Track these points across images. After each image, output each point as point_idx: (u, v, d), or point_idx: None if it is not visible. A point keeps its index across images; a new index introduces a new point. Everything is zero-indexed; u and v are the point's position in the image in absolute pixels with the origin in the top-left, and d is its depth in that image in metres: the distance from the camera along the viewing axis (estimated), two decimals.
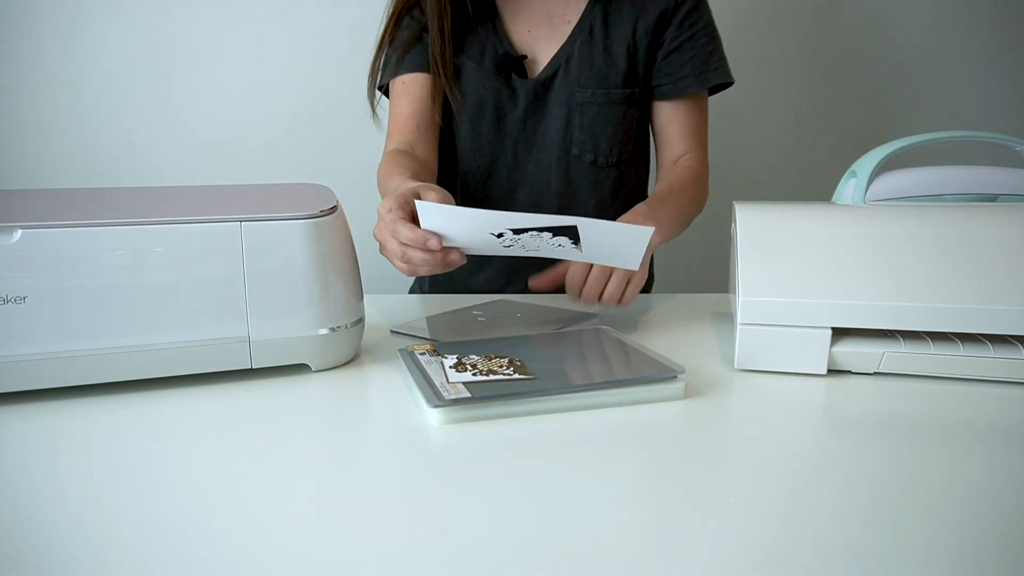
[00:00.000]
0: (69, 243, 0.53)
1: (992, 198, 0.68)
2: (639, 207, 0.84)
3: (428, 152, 0.97)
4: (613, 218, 1.00)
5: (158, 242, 0.55)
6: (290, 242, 0.58)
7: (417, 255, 0.64)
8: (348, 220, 0.64)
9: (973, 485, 0.42)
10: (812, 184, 1.50)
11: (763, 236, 0.63)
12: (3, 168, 1.48)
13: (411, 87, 0.97)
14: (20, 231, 0.52)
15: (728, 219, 0.70)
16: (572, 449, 0.47)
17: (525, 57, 0.97)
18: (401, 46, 0.97)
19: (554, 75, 0.96)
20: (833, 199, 0.75)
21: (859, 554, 0.35)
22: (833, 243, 0.62)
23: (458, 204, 1.05)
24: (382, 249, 0.68)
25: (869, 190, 0.69)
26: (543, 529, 0.37)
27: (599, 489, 0.41)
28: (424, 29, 0.96)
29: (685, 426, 0.51)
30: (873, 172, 0.70)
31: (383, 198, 0.95)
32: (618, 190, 1.01)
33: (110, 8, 1.42)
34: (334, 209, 0.61)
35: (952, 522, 0.38)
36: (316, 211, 0.59)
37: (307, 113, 1.47)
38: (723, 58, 0.99)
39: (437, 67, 0.95)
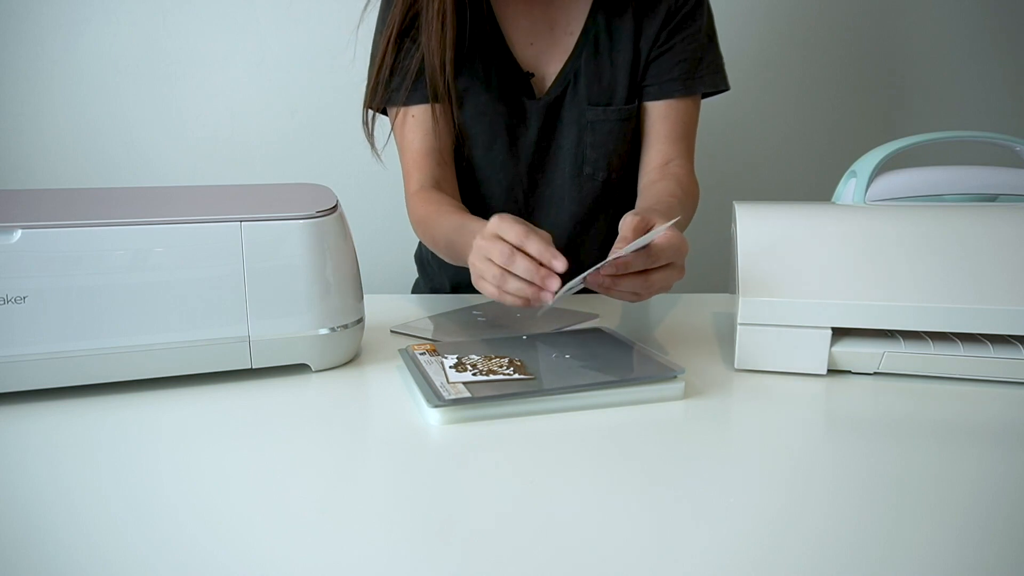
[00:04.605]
0: (69, 243, 0.53)
1: (992, 198, 0.68)
2: (661, 214, 0.74)
3: (453, 187, 0.94)
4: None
5: (158, 242, 0.55)
6: (290, 242, 0.58)
7: (524, 265, 0.61)
8: (348, 220, 0.64)
9: (973, 484, 0.42)
10: (812, 184, 1.50)
11: (763, 236, 0.63)
12: (3, 168, 1.48)
13: (423, 120, 0.92)
14: (20, 231, 0.52)
15: (728, 219, 0.70)
16: (572, 449, 0.47)
17: (532, 75, 0.93)
18: (405, 74, 0.91)
19: (563, 93, 0.93)
20: (833, 199, 0.75)
21: (859, 553, 0.35)
22: (833, 243, 0.62)
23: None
24: (483, 278, 0.65)
25: (869, 190, 0.69)
26: (543, 529, 0.37)
27: (599, 489, 0.41)
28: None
29: (685, 426, 0.51)
30: (873, 172, 0.70)
31: (431, 240, 0.90)
32: (630, 205, 0.97)
33: (110, 8, 1.42)
34: (334, 209, 0.61)
35: (952, 521, 0.38)
36: (316, 211, 0.59)
37: (307, 113, 1.47)
38: (716, 64, 0.95)
39: (444, 96, 0.90)
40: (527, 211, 0.98)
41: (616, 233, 0.98)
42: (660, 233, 0.60)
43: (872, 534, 0.36)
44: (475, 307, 0.84)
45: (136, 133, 1.47)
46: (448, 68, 0.89)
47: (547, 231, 0.97)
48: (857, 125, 1.50)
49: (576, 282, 0.61)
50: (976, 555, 0.35)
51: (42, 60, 1.44)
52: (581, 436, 0.49)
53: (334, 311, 0.61)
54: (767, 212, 0.65)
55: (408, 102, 0.92)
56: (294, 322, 0.59)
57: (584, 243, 0.99)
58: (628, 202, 0.98)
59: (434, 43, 0.88)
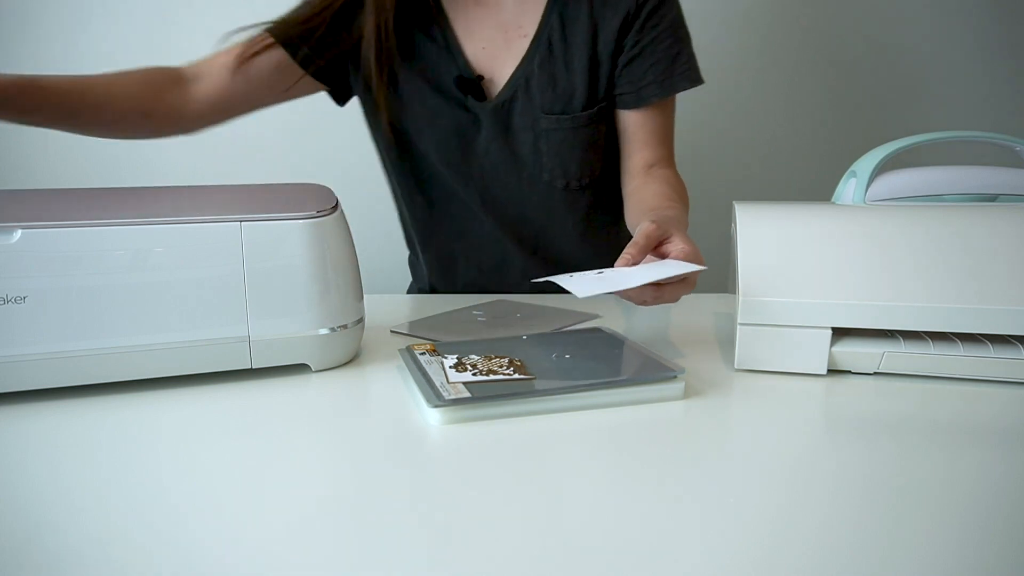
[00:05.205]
0: (69, 243, 0.53)
1: (992, 198, 0.68)
2: (678, 224, 0.74)
3: (202, 97, 0.90)
4: (591, 236, 1.00)
5: (158, 242, 0.55)
6: (290, 242, 0.58)
7: None
8: (348, 220, 0.64)
9: (973, 485, 0.42)
10: (812, 184, 1.50)
11: (763, 236, 0.63)
12: (3, 168, 1.48)
13: (270, 66, 0.90)
14: (20, 231, 0.52)
15: (728, 219, 0.70)
16: (572, 449, 0.47)
17: (482, 78, 0.90)
18: (331, 43, 0.90)
19: (513, 97, 0.90)
20: (833, 199, 0.75)
21: (859, 553, 0.35)
22: (833, 243, 0.61)
23: (429, 234, 1.04)
24: None
25: (869, 190, 0.69)
26: (543, 529, 0.37)
27: (598, 489, 0.41)
28: (355, 44, 0.90)
29: (685, 426, 0.51)
30: (873, 172, 0.70)
31: None
32: (595, 208, 0.98)
33: (110, 8, 1.42)
34: (334, 209, 0.61)
35: (952, 522, 0.38)
36: (316, 211, 0.59)
37: (307, 113, 1.47)
38: (690, 59, 0.91)
39: (377, 87, 0.91)
40: (484, 212, 0.97)
41: (587, 237, 0.99)
42: (690, 271, 0.61)
43: (872, 534, 0.36)
44: (475, 307, 0.84)
45: None
46: (382, 61, 0.89)
47: (510, 232, 0.98)
48: (857, 125, 1.50)
49: (601, 287, 0.59)
50: (976, 555, 0.35)
51: (42, 60, 1.44)
52: (581, 436, 0.49)
53: (334, 311, 0.61)
54: (767, 212, 0.65)
55: (297, 58, 0.91)
56: (294, 322, 0.59)
57: (553, 243, 0.99)
58: (598, 205, 0.98)
59: (370, 33, 0.88)
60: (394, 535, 0.36)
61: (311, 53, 0.91)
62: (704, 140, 1.50)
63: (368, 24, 0.88)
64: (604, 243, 1.01)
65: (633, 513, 0.38)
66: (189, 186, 0.64)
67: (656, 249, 0.66)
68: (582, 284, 0.59)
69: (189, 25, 1.43)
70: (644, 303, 0.64)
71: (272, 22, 0.91)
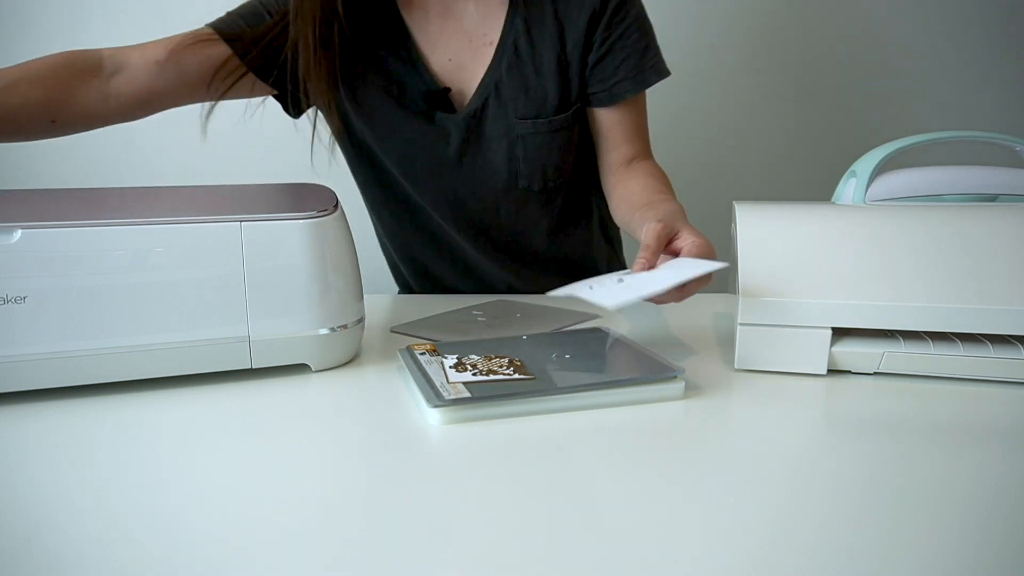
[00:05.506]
0: (69, 243, 0.53)
1: (992, 198, 0.68)
2: (682, 216, 0.74)
3: (126, 92, 0.85)
4: (563, 235, 1.00)
5: (158, 242, 0.55)
6: (290, 242, 0.58)
7: None
8: (348, 220, 0.64)
9: (973, 485, 0.42)
10: (812, 184, 1.50)
11: (763, 236, 0.63)
12: (3, 168, 1.48)
13: (223, 67, 0.87)
14: (20, 231, 0.52)
15: (728, 219, 0.70)
16: (572, 449, 0.47)
17: (449, 90, 0.89)
18: (282, 56, 0.86)
19: (484, 105, 0.88)
20: (833, 199, 0.75)
21: (859, 553, 0.35)
22: (833, 243, 0.62)
23: (401, 243, 1.04)
24: None
25: (869, 190, 0.69)
26: (543, 529, 0.37)
27: (599, 489, 0.41)
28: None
29: (685, 426, 0.51)
30: (873, 172, 0.70)
31: None
32: (567, 206, 0.97)
33: (110, 8, 1.42)
34: (334, 209, 0.61)
35: (952, 522, 0.38)
36: (316, 211, 0.59)
37: (307, 113, 1.47)
38: (657, 52, 0.90)
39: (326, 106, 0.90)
40: (455, 222, 0.96)
41: (559, 235, 1.00)
42: (712, 269, 0.61)
43: (872, 534, 0.36)
44: (475, 307, 0.84)
45: (136, 133, 1.47)
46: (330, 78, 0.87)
47: (483, 239, 0.98)
48: (857, 125, 1.50)
49: (629, 296, 0.59)
50: (976, 555, 0.35)
51: None
52: (581, 436, 0.49)
53: (334, 311, 0.61)
54: (767, 212, 0.65)
55: (268, 81, 0.90)
56: (294, 322, 0.59)
57: (528, 245, 0.99)
58: (569, 203, 0.98)
59: (312, 64, 0.86)
60: (394, 535, 0.36)
61: (279, 73, 0.89)
62: (705, 140, 1.50)
63: (299, 36, 0.85)
64: (576, 240, 1.01)
65: (633, 513, 0.38)
66: (189, 186, 0.64)
67: (667, 247, 0.66)
68: (608, 295, 0.59)
69: (190, 26, 1.43)
70: (664, 303, 0.66)
71: (227, 31, 0.89)
